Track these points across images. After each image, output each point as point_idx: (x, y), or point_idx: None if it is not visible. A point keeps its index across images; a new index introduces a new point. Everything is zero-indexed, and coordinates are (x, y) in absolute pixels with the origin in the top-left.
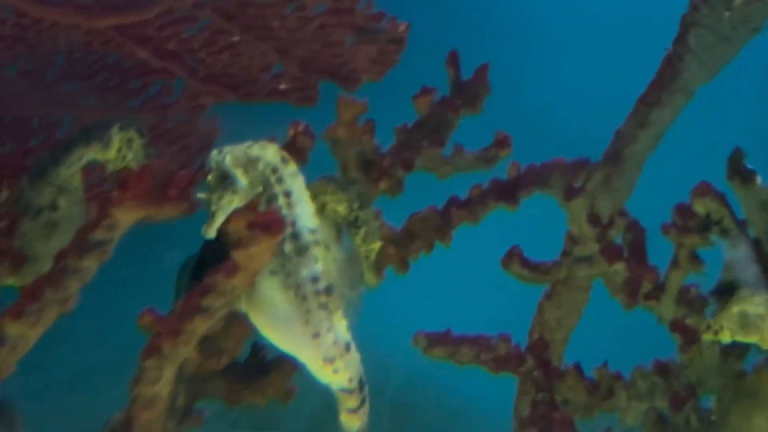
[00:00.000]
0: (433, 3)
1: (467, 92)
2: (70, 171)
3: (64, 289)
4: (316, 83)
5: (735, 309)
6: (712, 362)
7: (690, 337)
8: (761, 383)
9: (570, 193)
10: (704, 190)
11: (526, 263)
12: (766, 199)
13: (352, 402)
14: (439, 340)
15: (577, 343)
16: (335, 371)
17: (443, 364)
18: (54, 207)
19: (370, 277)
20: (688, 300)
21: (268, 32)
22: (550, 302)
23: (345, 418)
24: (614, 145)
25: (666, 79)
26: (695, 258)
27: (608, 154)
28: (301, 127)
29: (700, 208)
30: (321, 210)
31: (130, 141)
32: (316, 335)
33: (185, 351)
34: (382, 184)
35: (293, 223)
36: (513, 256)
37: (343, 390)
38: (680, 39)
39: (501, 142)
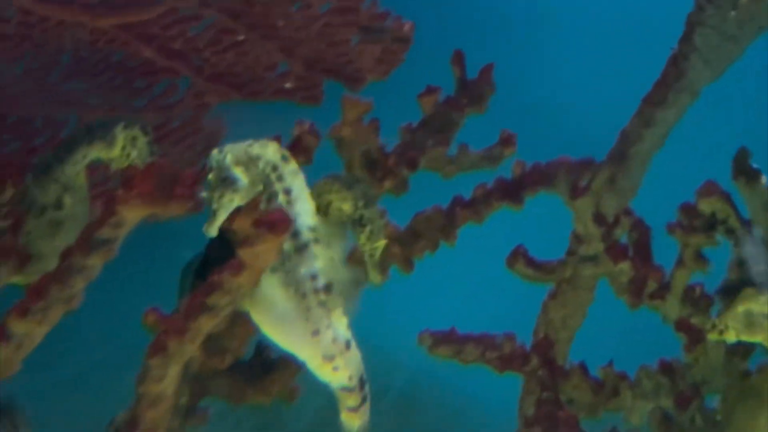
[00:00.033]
0: (437, 2)
1: (472, 92)
2: (75, 169)
3: (70, 287)
4: (320, 82)
5: (740, 308)
6: (717, 362)
7: (695, 337)
8: (766, 383)
9: (576, 192)
10: (710, 189)
11: (531, 262)
12: None
13: (353, 400)
14: (444, 338)
15: (582, 342)
16: (335, 369)
17: (447, 364)
18: (59, 205)
19: (374, 276)
20: (694, 299)
21: (273, 31)
22: (554, 301)
23: (345, 417)
24: (619, 144)
25: (671, 78)
26: (700, 257)
27: (613, 153)
28: (306, 126)
29: (705, 207)
30: (326, 208)
31: (134, 139)
32: (315, 333)
33: (191, 349)
34: (387, 184)
35: (293, 221)
36: (518, 255)
37: (343, 388)
38: (686, 38)
39: (506, 141)
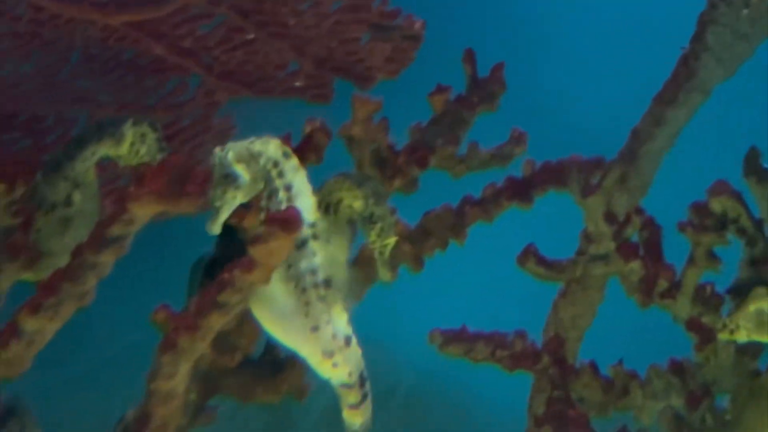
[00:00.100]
0: (447, 1)
1: (483, 90)
2: (84, 166)
3: (82, 284)
4: (331, 81)
5: (751, 307)
6: (727, 361)
7: (706, 336)
8: None
9: (587, 191)
10: (721, 188)
11: (541, 261)
12: None
13: (353, 397)
14: (454, 337)
15: (592, 341)
16: (334, 365)
17: (456, 363)
18: (69, 202)
19: (384, 274)
20: (704, 298)
21: (283, 29)
22: (565, 300)
23: (347, 415)
24: (630, 143)
25: (682, 77)
26: (712, 256)
27: (624, 151)
28: (317, 124)
29: (716, 206)
30: (336, 206)
31: (143, 136)
32: (315, 328)
33: (201, 346)
34: (397, 182)
35: None
36: (529, 254)
37: (343, 385)
38: (698, 37)
39: (516, 140)
